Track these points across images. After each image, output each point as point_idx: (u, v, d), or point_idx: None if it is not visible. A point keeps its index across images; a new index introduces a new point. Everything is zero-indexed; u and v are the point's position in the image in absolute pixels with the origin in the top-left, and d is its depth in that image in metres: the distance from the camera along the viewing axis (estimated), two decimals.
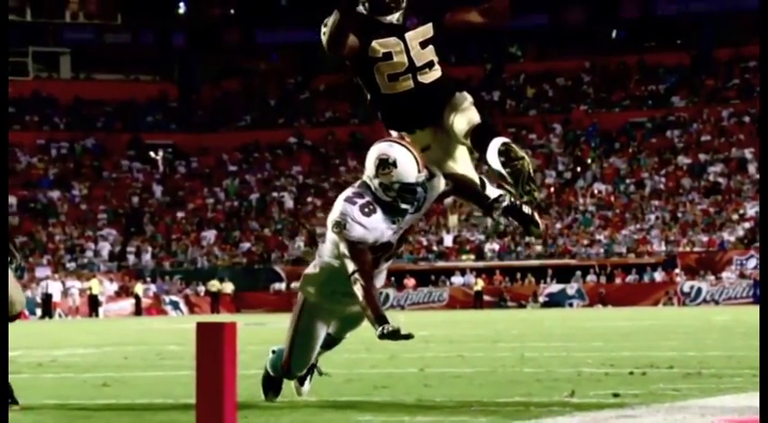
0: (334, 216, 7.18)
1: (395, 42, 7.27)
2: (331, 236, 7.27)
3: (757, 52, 54.48)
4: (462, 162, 7.52)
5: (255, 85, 66.33)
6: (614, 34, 63.70)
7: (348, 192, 7.28)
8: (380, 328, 7.00)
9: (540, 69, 62.92)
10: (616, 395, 7.80)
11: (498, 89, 62.45)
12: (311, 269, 7.58)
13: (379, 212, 7.18)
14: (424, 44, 7.33)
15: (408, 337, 6.99)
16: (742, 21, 59.22)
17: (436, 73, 7.40)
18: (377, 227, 7.16)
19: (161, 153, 63.23)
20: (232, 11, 67.53)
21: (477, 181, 7.51)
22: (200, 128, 64.05)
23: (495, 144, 7.12)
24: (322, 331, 7.68)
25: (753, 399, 7.18)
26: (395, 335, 6.98)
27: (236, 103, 65.53)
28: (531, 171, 7.08)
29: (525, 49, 65.35)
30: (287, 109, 64.47)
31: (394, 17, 7.25)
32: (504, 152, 7.06)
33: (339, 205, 7.21)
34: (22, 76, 63.28)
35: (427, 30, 7.32)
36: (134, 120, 63.71)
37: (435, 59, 7.39)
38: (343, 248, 7.14)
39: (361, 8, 7.25)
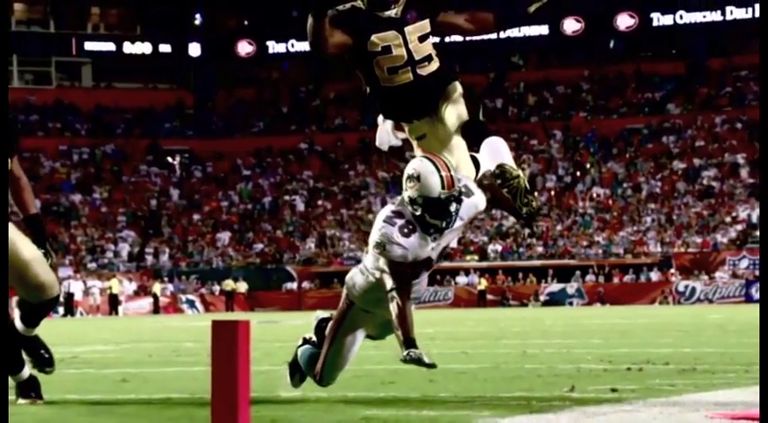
0: (374, 237, 7.06)
1: (393, 36, 7.28)
2: (372, 250, 7.18)
3: (748, 62, 54.60)
4: (458, 149, 7.52)
5: (268, 92, 66.20)
6: (612, 44, 63.61)
7: (387, 210, 7.16)
8: (406, 353, 6.91)
9: (541, 78, 62.92)
10: (614, 390, 7.86)
11: (501, 97, 62.53)
12: (357, 272, 7.42)
13: (418, 232, 7.05)
14: (422, 38, 7.35)
15: (431, 366, 6.92)
16: (734, 32, 59.47)
17: (435, 65, 7.44)
18: (416, 246, 7.04)
19: (178, 158, 63.21)
20: (246, 22, 67.31)
21: (473, 166, 7.52)
22: (216, 134, 64.05)
23: (489, 163, 7.31)
24: (360, 338, 7.59)
25: (745, 393, 7.47)
26: (418, 362, 6.88)
27: (250, 110, 65.22)
28: (527, 185, 7.22)
29: (527, 58, 65.32)
30: (298, 116, 64.26)
31: (392, 12, 7.28)
32: (500, 175, 7.19)
33: (378, 225, 7.08)
34: (46, 85, 63.72)
35: (425, 25, 7.36)
36: (152, 126, 63.81)
37: (434, 53, 7.42)
38: (383, 264, 7.05)
39: (359, 3, 7.30)
